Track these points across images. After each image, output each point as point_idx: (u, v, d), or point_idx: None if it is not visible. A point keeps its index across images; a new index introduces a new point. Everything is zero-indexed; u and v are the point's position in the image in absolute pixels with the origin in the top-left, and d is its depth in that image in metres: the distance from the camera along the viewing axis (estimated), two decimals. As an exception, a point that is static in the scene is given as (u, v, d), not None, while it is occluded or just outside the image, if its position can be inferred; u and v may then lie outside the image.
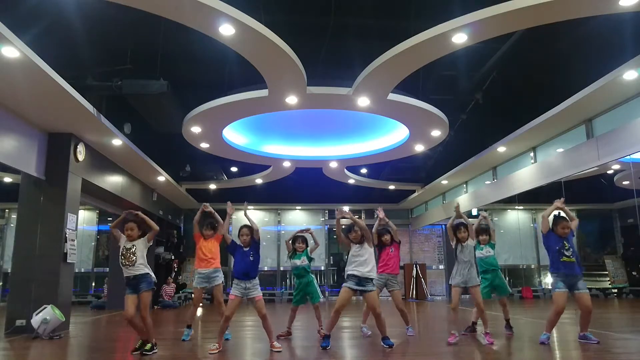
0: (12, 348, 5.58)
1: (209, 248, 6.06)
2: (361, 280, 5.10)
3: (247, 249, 5.18)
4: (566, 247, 5.27)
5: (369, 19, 7.26)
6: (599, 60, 6.78)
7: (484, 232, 6.44)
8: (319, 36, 7.33)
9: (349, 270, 5.17)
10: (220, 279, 6.03)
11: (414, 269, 15.36)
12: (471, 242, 5.74)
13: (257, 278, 5.13)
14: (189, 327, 6.04)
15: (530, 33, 6.21)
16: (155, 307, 12.22)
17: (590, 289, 15.45)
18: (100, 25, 6.57)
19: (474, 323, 6.23)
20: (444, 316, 9.16)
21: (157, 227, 5.23)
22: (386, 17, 7.14)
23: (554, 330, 5.52)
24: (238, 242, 5.25)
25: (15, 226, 7.08)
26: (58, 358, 5.05)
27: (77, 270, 7.53)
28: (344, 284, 5.21)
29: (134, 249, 4.97)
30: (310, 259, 6.19)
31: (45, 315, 6.25)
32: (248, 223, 5.33)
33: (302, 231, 6.29)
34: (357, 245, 5.26)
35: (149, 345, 4.87)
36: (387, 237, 6.26)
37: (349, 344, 5.55)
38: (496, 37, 5.89)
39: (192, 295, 6.26)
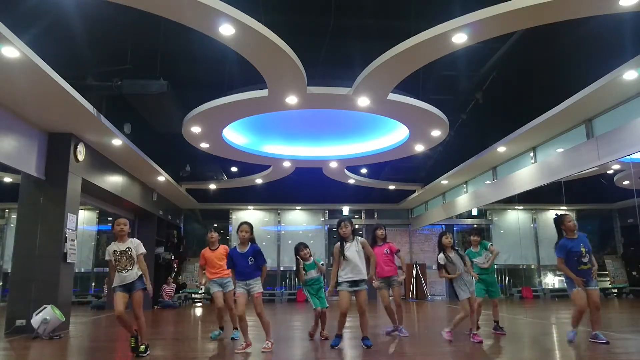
0: (12, 348, 5.58)
1: (218, 257, 6.11)
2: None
3: (245, 251, 5.15)
4: (583, 254, 5.27)
5: (369, 19, 7.25)
6: (599, 60, 6.77)
7: (478, 234, 6.47)
8: (319, 36, 7.32)
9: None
10: (231, 285, 6.03)
11: (414, 269, 15.35)
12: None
13: (258, 278, 5.14)
14: (221, 328, 6.16)
15: (530, 33, 6.20)
16: (156, 307, 12.22)
17: (590, 289, 15.58)
18: (100, 25, 6.56)
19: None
20: (445, 317, 9.16)
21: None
22: (386, 17, 7.14)
23: (554, 331, 5.52)
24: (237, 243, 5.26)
25: (15, 226, 7.08)
26: (58, 358, 5.05)
27: (77, 270, 7.52)
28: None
29: (129, 252, 4.79)
30: (318, 261, 6.10)
31: (45, 315, 6.25)
32: (248, 220, 5.40)
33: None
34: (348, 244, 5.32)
35: (142, 347, 4.78)
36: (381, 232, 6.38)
37: (349, 344, 5.54)
38: (496, 37, 5.89)
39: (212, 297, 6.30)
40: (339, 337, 5.28)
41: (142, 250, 4.90)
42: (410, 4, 6.71)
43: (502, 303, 13.00)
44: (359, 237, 5.38)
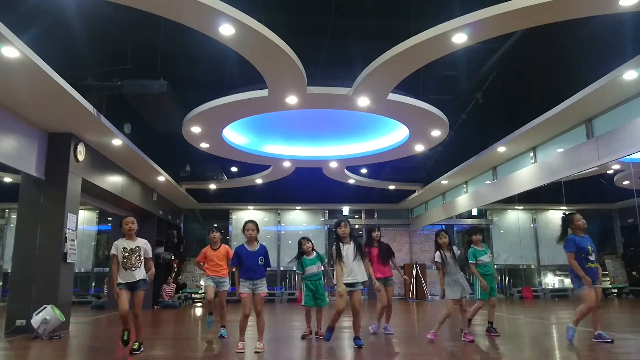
0: (12, 348, 5.58)
1: (219, 257, 6.30)
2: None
3: (255, 250, 5.15)
4: (590, 252, 5.28)
5: (369, 19, 7.25)
6: (599, 60, 6.77)
7: (480, 232, 6.44)
8: (319, 36, 7.32)
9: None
10: (226, 285, 6.31)
11: (414, 269, 15.35)
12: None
13: (264, 278, 5.16)
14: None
15: (530, 33, 6.20)
16: (156, 307, 12.22)
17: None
18: (100, 25, 6.56)
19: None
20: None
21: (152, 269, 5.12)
22: (386, 17, 7.14)
23: (554, 330, 5.52)
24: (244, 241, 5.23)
25: (15, 226, 7.08)
26: (58, 358, 5.05)
27: (77, 270, 7.52)
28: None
29: (139, 251, 4.91)
30: (322, 260, 6.16)
31: (45, 315, 6.25)
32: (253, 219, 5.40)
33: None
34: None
35: (137, 344, 4.84)
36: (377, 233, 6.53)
37: (349, 344, 5.54)
38: (496, 37, 5.89)
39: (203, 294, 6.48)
40: (331, 329, 5.31)
41: (151, 254, 5.09)
42: (410, 4, 6.71)
43: (502, 303, 13.00)
44: (357, 239, 5.37)
